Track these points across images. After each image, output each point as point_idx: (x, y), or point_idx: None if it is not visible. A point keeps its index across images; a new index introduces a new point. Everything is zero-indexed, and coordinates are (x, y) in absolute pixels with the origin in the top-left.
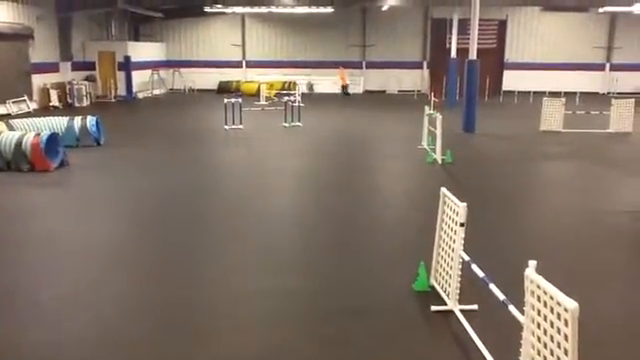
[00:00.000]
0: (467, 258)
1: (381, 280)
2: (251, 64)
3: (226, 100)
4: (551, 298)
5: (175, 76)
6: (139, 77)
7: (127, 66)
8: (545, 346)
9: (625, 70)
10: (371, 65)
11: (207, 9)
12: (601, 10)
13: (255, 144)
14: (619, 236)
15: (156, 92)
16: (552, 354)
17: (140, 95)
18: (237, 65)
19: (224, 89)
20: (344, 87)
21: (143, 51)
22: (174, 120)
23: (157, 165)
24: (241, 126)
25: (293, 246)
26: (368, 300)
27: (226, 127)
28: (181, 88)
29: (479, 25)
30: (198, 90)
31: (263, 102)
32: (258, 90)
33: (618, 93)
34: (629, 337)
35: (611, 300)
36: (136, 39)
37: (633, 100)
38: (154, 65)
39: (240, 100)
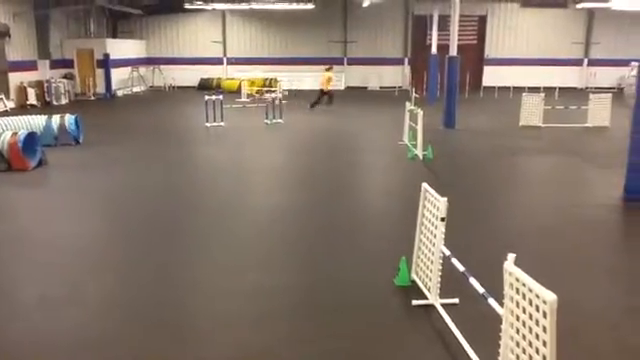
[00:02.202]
0: (448, 252)
1: (362, 276)
2: (232, 61)
3: (207, 97)
4: (530, 290)
5: (155, 73)
6: (118, 75)
7: (106, 63)
8: (524, 338)
9: (603, 65)
10: (352, 61)
11: (187, 5)
12: (579, 6)
13: (236, 141)
14: (596, 228)
15: (136, 90)
16: (531, 345)
17: (120, 93)
18: (218, 62)
19: (205, 86)
20: (326, 93)
21: (122, 48)
22: (154, 118)
23: (136, 164)
24: (222, 123)
25: (274, 243)
26: (350, 296)
27: (207, 124)
28: (161, 85)
29: (459, 21)
30: (179, 87)
31: (244, 99)
32: (239, 87)
33: (596, 88)
34: (605, 328)
35: (588, 291)
36: (115, 36)
37: (610, 95)
38: (134, 62)
39: (221, 97)
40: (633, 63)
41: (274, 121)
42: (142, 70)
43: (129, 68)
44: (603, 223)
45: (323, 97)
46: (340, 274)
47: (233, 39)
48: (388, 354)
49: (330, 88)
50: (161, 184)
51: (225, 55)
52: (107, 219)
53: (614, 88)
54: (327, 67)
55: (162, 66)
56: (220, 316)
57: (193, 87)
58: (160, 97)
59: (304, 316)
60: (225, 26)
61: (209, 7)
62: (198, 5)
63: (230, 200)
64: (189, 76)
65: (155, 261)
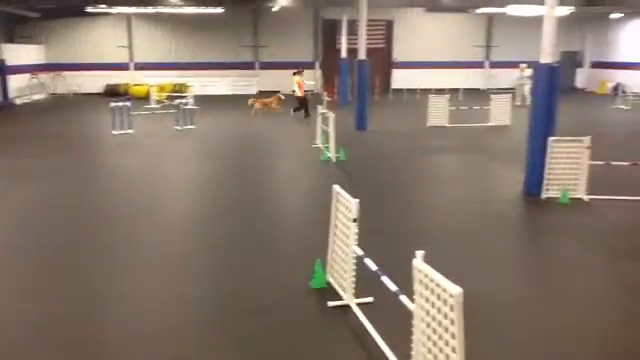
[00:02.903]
0: (361, 253)
1: (278, 280)
2: (140, 66)
3: (113, 104)
4: (437, 285)
5: (57, 80)
6: (16, 82)
7: (2, 70)
8: (434, 331)
9: (502, 67)
10: (264, 66)
11: (89, 9)
12: (479, 11)
13: (146, 149)
14: (499, 223)
15: (36, 97)
16: (440, 338)
17: (18, 101)
18: (125, 67)
19: (112, 92)
20: (301, 99)
21: (20, 54)
22: (57, 126)
23: (38, 175)
24: (131, 131)
25: (186, 251)
26: (265, 301)
27: (114, 132)
28: (64, 92)
29: (367, 26)
30: (84, 94)
31: (154, 105)
32: (148, 93)
33: (497, 89)
34: (511, 317)
35: (491, 283)
36: (12, 41)
37: (510, 95)
38: (33, 69)
39: (129, 104)
40: (522, 65)
41: (185, 127)
42: (43, 76)
43: (28, 75)
44: (506, 218)
45: (303, 103)
46: (255, 279)
47: (140, 44)
48: (304, 356)
49: (302, 94)
50: (67, 195)
51: (132, 60)
52: (8, 233)
53: (513, 88)
54: (295, 71)
55: (65, 72)
56: (129, 330)
57: (99, 94)
58: (63, 104)
59: (218, 324)
60: (131, 30)
61: (113, 10)
62: (101, 9)
63: (139, 210)
64: (94, 82)
65: (56, 274)
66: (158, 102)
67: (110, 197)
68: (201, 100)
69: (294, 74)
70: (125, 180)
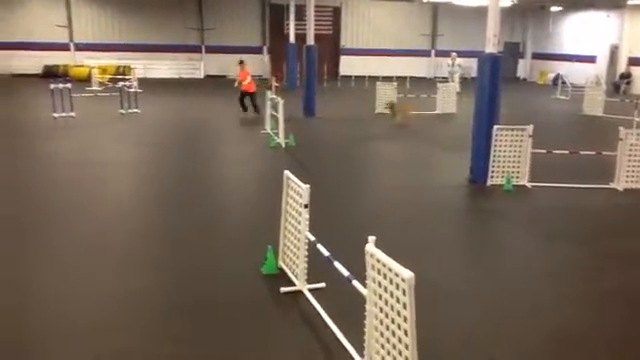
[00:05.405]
0: (313, 238)
1: (228, 267)
2: (80, 47)
3: (53, 86)
4: (389, 270)
5: None
6: None
7: None
8: (387, 315)
9: (447, 56)
10: (210, 49)
11: None
12: (425, 0)
13: (88, 133)
14: (446, 209)
15: None
16: (393, 322)
17: None
18: (64, 48)
19: (50, 74)
20: (249, 93)
21: None
22: None
23: None
24: (72, 114)
25: (129, 241)
26: (217, 289)
27: (55, 115)
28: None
29: (315, 12)
30: (21, 75)
31: (96, 87)
32: (89, 75)
33: (443, 78)
34: (455, 299)
35: (439, 266)
36: None
37: (456, 84)
38: None
39: (69, 85)
40: (453, 54)
41: (130, 111)
42: None
43: None
44: (452, 204)
45: (251, 99)
46: (205, 267)
47: (80, 23)
48: (257, 342)
49: (245, 87)
50: (1, 181)
51: (72, 40)
52: None
53: (446, 78)
54: (240, 60)
55: None
56: (70, 325)
57: (36, 75)
58: None
59: (166, 315)
60: (70, 9)
61: None
62: None
63: (78, 197)
64: (31, 63)
65: None
66: (100, 84)
67: (46, 182)
68: (145, 83)
69: (239, 64)
70: (63, 165)
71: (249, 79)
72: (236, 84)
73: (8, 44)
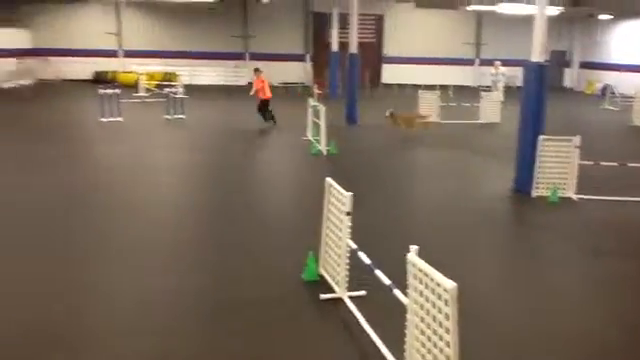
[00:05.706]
0: (354, 246)
1: (271, 273)
2: (129, 54)
3: (102, 91)
4: (431, 280)
5: (45, 65)
6: (1, 66)
7: None
8: (428, 326)
9: (491, 65)
10: (254, 57)
11: None
12: (469, 8)
13: (135, 138)
14: (490, 219)
15: (22, 82)
16: (435, 333)
17: (5, 85)
18: (113, 54)
19: (100, 79)
20: (264, 103)
21: (4, 38)
22: (44, 112)
23: (23, 163)
24: (120, 119)
25: (178, 243)
26: (258, 293)
27: (103, 120)
28: (52, 78)
29: (358, 20)
30: (71, 80)
31: (143, 93)
32: (137, 81)
33: (487, 86)
34: (500, 312)
35: (483, 279)
36: None
37: (500, 93)
38: (19, 53)
39: (118, 91)
40: (496, 62)
41: (175, 117)
42: (29, 61)
43: (14, 59)
44: (496, 215)
45: (265, 106)
46: (247, 272)
47: (130, 31)
48: (296, 348)
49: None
50: (55, 185)
51: (121, 47)
52: None
53: (489, 86)
54: (255, 68)
55: (51, 58)
56: (119, 324)
57: (86, 80)
58: (50, 90)
59: (210, 317)
60: (120, 17)
61: None
62: None
63: (130, 200)
64: (83, 69)
65: (50, 265)
66: (147, 90)
67: (98, 186)
68: (190, 90)
69: (255, 71)
70: (113, 169)
71: (262, 85)
72: (252, 92)
73: (61, 50)
